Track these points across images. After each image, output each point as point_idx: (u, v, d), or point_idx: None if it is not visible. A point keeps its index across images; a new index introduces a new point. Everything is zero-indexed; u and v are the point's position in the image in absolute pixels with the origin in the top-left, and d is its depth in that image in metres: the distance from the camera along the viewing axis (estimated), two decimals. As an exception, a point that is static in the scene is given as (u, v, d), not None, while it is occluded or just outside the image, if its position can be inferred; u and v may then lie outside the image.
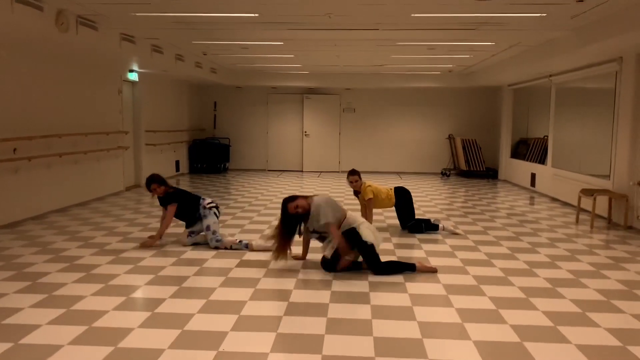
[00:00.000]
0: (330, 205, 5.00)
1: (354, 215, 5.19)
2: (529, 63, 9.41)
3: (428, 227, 6.89)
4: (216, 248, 5.84)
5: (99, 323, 3.75)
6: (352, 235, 4.91)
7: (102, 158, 9.55)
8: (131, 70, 10.64)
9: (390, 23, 7.17)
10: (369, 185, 6.90)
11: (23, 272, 4.95)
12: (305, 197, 5.05)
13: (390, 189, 7.04)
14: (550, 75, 10.27)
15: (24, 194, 7.42)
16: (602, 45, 6.96)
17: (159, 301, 4.21)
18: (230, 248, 5.84)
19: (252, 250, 5.76)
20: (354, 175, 6.93)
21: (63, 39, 6.73)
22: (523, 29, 7.43)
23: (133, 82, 10.99)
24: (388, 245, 6.16)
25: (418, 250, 5.94)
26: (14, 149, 7.11)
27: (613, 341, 3.54)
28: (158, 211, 8.16)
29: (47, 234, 6.58)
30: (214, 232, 5.86)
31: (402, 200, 6.96)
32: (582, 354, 3.33)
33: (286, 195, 5.20)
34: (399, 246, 6.15)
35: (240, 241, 5.89)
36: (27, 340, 3.45)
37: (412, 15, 6.65)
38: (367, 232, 4.92)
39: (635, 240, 6.62)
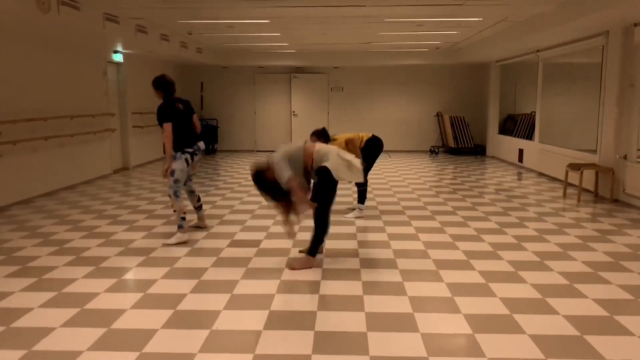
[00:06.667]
0: (287, 157, 4.40)
1: (324, 149, 4.55)
2: (516, 39, 9.39)
3: (361, 195, 6.58)
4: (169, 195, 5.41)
5: (90, 305, 3.75)
6: (324, 176, 4.41)
7: (88, 141, 9.45)
8: (115, 51, 10.49)
9: (377, -1, 7.11)
10: (335, 139, 6.37)
11: (12, 256, 4.92)
12: (268, 165, 4.47)
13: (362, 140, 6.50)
14: (538, 51, 10.27)
15: (10, 179, 7.33)
16: (588, 20, 6.95)
17: (151, 282, 4.21)
18: (173, 210, 5.44)
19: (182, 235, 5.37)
20: (312, 136, 5.88)
21: (45, 20, 6.60)
22: (510, 3, 7.40)
23: (118, 64, 10.83)
24: (377, 223, 6.20)
25: (407, 227, 5.98)
26: (-1, 133, 7.02)
27: (600, 311, 3.61)
28: (148, 193, 8.14)
29: (35, 218, 6.53)
30: (176, 181, 5.34)
31: (370, 152, 6.48)
32: (570, 324, 3.39)
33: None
34: (388, 223, 6.18)
35: (184, 218, 5.36)
36: (19, 323, 3.45)
37: (399, -9, 6.60)
38: (337, 167, 4.37)
39: (621, 213, 6.71)
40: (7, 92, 7.29)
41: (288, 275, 4.37)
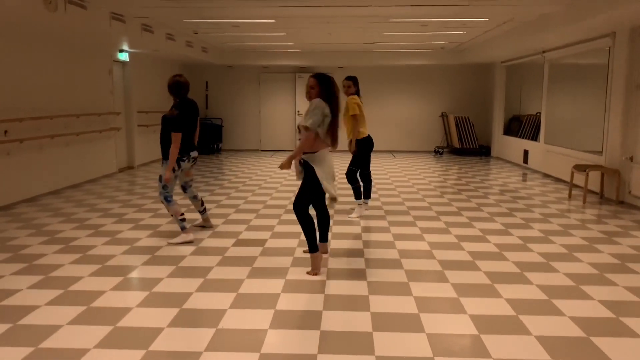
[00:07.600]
0: (320, 113, 4.31)
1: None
2: (522, 39, 9.37)
3: (366, 190, 6.60)
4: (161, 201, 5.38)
5: (97, 303, 3.76)
6: (307, 168, 4.36)
7: (94, 139, 9.48)
8: (121, 50, 10.51)
9: (383, -1, 7.11)
10: (356, 103, 6.47)
11: (19, 254, 4.95)
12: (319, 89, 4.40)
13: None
14: (543, 52, 10.25)
15: (16, 177, 7.37)
16: (595, 21, 6.93)
17: (157, 281, 4.22)
18: (171, 215, 5.46)
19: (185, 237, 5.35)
20: (349, 80, 6.75)
21: (52, 19, 6.62)
22: (516, 4, 7.38)
23: (123, 63, 10.86)
24: (382, 223, 6.19)
25: (412, 227, 5.98)
26: (5, 131, 7.05)
27: (606, 313, 3.60)
28: (153, 192, 8.16)
29: (41, 216, 6.55)
30: (164, 187, 5.30)
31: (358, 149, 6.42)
32: (576, 325, 3.39)
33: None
34: (393, 223, 6.18)
35: (183, 219, 5.35)
36: (26, 320, 3.47)
37: (405, -9, 6.59)
38: (325, 177, 4.32)
39: (627, 215, 6.69)
40: (13, 90, 7.32)
41: (293, 274, 4.38)
